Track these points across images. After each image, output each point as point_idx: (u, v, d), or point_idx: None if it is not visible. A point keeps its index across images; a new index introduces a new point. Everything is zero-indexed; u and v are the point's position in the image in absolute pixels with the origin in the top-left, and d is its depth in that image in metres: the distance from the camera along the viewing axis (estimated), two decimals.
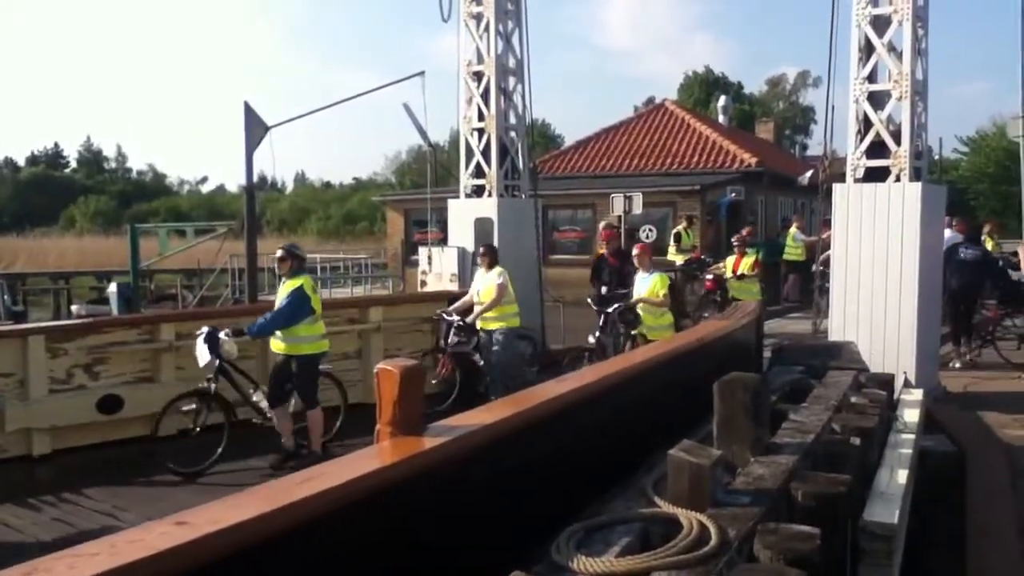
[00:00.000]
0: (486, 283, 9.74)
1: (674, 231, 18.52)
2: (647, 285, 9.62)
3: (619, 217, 15.12)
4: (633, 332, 9.97)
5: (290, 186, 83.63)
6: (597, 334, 10.30)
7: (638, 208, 15.13)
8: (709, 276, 14.21)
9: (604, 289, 11.42)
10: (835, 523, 3.77)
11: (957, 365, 11.11)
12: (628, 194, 15.03)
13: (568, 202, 23.09)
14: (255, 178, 14.51)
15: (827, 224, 10.73)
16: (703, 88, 60.25)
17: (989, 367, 11.02)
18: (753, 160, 24.06)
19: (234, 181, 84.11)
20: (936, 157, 45.47)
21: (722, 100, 35.48)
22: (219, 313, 12.78)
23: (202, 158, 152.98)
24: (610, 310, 10.29)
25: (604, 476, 4.45)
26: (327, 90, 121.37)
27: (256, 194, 17.63)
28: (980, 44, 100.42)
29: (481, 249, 10.14)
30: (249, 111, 13.75)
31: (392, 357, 5.87)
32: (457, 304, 10.08)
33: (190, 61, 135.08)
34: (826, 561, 3.54)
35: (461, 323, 9.86)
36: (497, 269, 9.79)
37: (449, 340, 10.00)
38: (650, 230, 19.45)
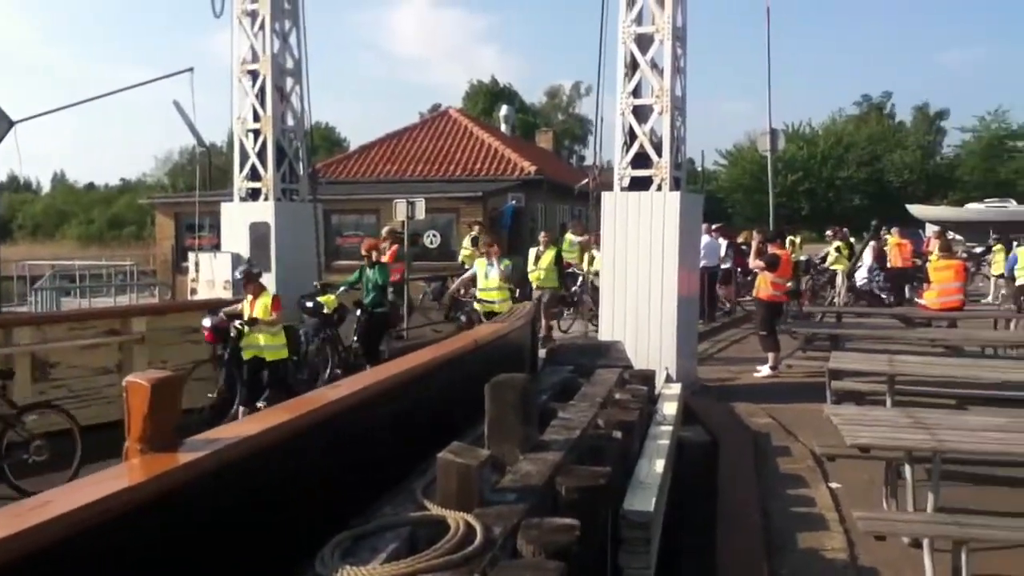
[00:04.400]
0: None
1: (471, 235, 18.78)
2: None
3: (402, 223, 15.05)
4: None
5: (48, 187, 76.83)
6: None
7: (421, 214, 15.11)
8: None
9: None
10: (596, 514, 3.95)
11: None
12: (411, 200, 14.97)
13: (352, 207, 22.77)
14: (2, 177, 13.18)
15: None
16: (488, 98, 61.66)
17: (743, 361, 11.99)
18: (533, 168, 24.85)
19: None
20: (699, 169, 49.02)
21: (504, 109, 36.35)
22: None
23: None
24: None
25: (380, 482, 4.40)
26: (98, 88, 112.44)
27: (3, 195, 15.99)
28: (744, 68, 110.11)
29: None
30: None
31: (159, 370, 5.47)
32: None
33: None
34: (587, 551, 3.71)
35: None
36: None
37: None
38: (434, 236, 19.61)
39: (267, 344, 8.75)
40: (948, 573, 4.58)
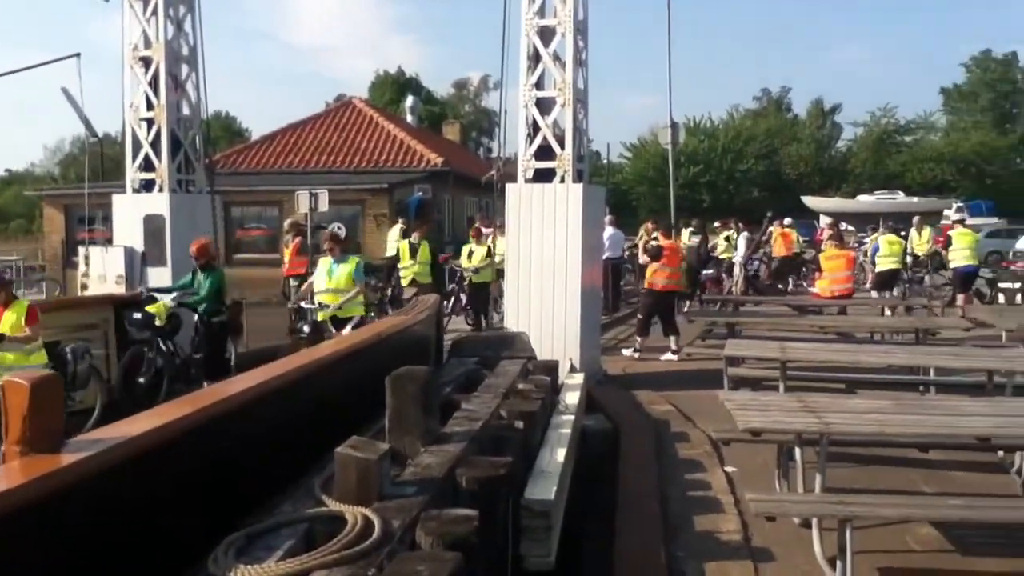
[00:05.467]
0: None
1: (400, 227, 18.63)
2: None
3: (305, 215, 14.81)
4: None
5: None
6: None
7: (324, 206, 14.92)
8: None
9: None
10: (496, 503, 3.99)
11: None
12: (314, 191, 14.76)
13: (253, 199, 22.28)
14: None
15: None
16: (394, 88, 61.08)
17: (646, 350, 12.25)
18: (440, 160, 24.79)
19: None
20: (604, 161, 49.76)
21: (410, 100, 36.14)
22: None
23: None
24: None
25: (278, 479, 4.33)
26: None
27: None
28: (650, 62, 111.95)
29: None
30: None
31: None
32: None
33: None
34: (487, 541, 3.74)
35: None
36: None
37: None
38: (339, 227, 19.32)
39: (18, 367, 6.93)
40: (835, 550, 4.80)
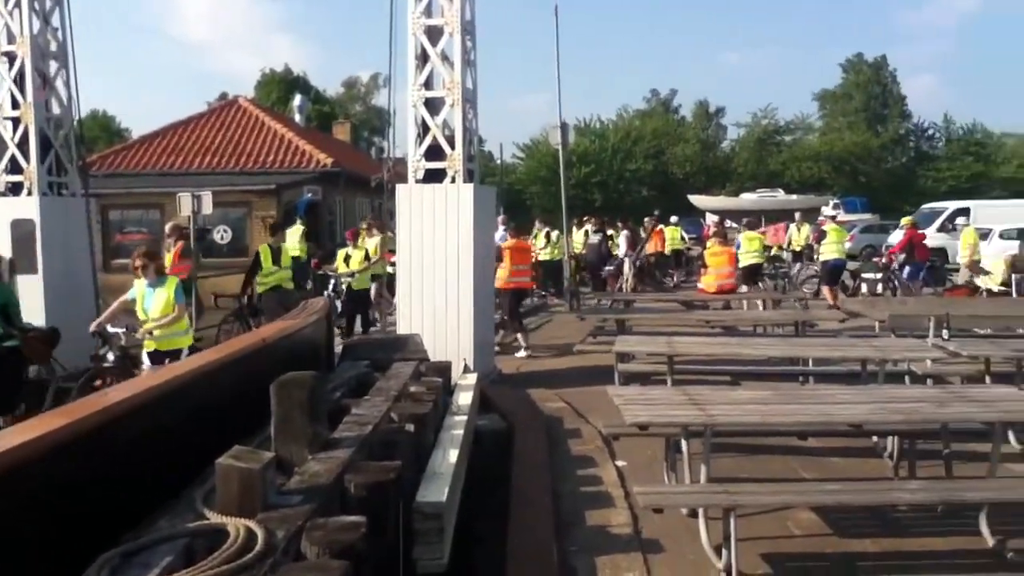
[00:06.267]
0: None
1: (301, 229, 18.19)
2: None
3: (188, 218, 14.28)
4: None
5: None
6: None
7: (208, 208, 14.40)
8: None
9: None
10: (386, 508, 3.93)
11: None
12: (197, 193, 14.23)
13: (133, 201, 21.44)
14: None
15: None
16: (282, 87, 59.73)
17: (540, 348, 12.36)
18: (329, 161, 24.38)
19: None
20: (498, 161, 49.85)
21: (298, 99, 35.47)
22: None
23: None
24: None
25: (158, 494, 4.16)
26: None
27: None
28: (543, 62, 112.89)
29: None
30: None
31: None
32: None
33: None
34: (377, 547, 3.68)
35: None
36: None
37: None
38: (225, 231, 18.81)
39: None
40: (720, 538, 4.94)
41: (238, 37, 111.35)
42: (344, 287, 13.18)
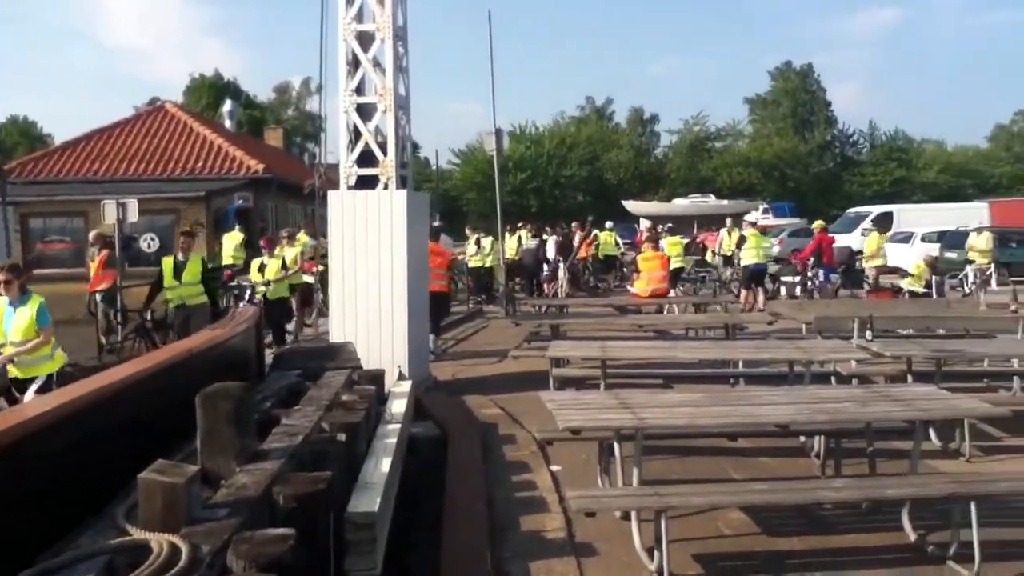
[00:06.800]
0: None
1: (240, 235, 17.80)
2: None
3: (113, 226, 13.89)
4: None
5: None
6: None
7: (134, 216, 14.02)
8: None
9: None
10: (316, 520, 3.88)
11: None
12: (122, 200, 13.85)
13: (55, 209, 20.72)
14: None
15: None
16: (212, 92, 58.62)
17: (475, 355, 12.34)
18: (261, 167, 24.01)
19: None
20: (434, 167, 49.66)
21: (228, 105, 34.85)
22: None
23: None
24: None
25: (78, 511, 4.03)
26: None
27: None
28: (478, 69, 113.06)
29: None
30: None
31: None
32: None
33: None
34: (308, 559, 3.63)
35: None
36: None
37: None
38: (152, 239, 18.36)
39: None
40: (652, 540, 5.00)
41: (167, 41, 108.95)
42: (260, 297, 12.62)
